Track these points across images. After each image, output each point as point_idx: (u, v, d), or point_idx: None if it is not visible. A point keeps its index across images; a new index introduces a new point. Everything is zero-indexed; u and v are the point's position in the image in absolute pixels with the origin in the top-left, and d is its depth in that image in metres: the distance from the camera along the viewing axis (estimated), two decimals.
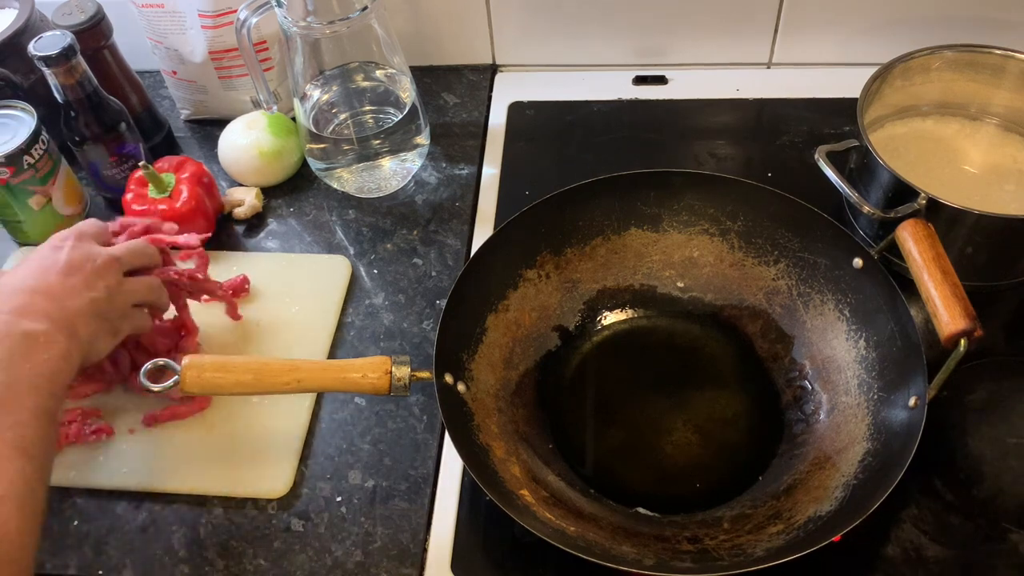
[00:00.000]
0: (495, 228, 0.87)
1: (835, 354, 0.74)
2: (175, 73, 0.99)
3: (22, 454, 0.54)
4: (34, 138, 0.85)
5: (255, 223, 0.93)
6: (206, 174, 0.89)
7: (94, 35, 0.90)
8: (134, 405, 0.77)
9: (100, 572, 0.69)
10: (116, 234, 0.74)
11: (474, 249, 0.82)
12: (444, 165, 0.96)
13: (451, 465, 0.73)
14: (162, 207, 0.85)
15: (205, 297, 0.79)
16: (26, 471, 0.53)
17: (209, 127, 1.03)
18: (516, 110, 1.02)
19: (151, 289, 0.72)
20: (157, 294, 0.73)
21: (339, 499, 0.72)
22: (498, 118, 1.01)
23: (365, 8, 0.80)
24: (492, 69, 1.07)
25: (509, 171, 0.96)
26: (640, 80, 1.04)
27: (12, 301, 0.59)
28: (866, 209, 0.75)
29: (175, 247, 0.77)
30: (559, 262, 0.80)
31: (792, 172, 0.92)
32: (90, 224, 0.71)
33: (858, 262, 0.73)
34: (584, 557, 0.59)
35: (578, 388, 0.77)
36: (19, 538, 0.51)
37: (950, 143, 0.88)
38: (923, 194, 0.73)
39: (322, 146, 0.90)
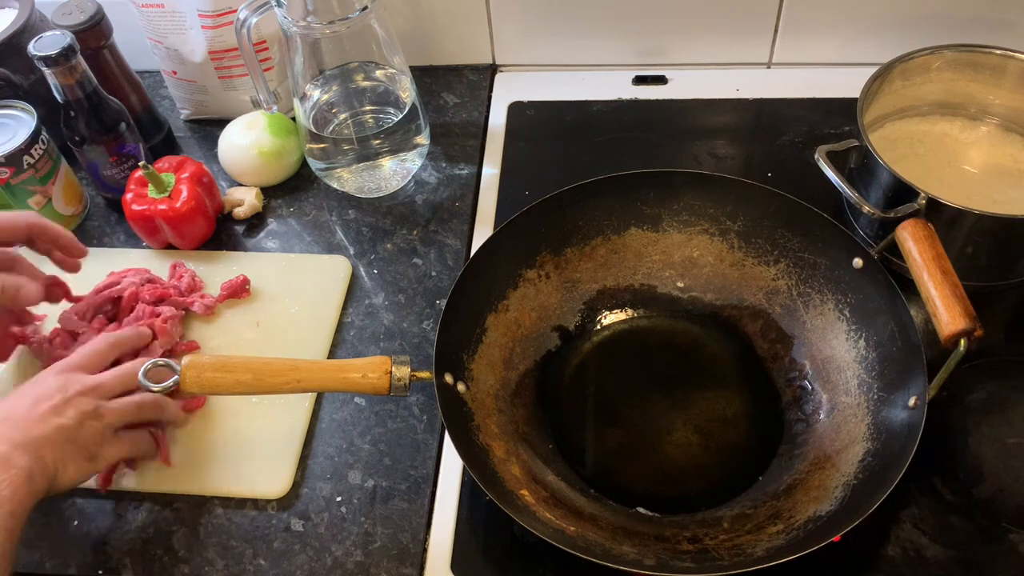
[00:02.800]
0: (495, 228, 0.87)
1: (835, 354, 0.74)
2: (175, 73, 0.99)
3: None
4: (34, 138, 0.85)
5: (255, 223, 0.93)
6: (206, 174, 0.89)
7: (94, 35, 0.90)
8: None
9: (100, 572, 0.69)
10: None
11: (474, 249, 0.82)
12: (444, 165, 0.96)
13: (451, 465, 0.73)
14: (162, 207, 0.85)
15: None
16: None
17: (209, 127, 1.03)
18: (516, 110, 1.02)
19: (141, 409, 0.70)
20: (153, 412, 0.71)
21: (339, 499, 0.72)
22: (498, 118, 1.01)
23: (365, 8, 0.80)
24: (492, 69, 1.07)
25: (509, 171, 0.96)
26: (640, 80, 1.04)
27: None
28: (866, 209, 0.75)
29: None
30: (559, 262, 0.80)
31: (792, 172, 0.92)
32: (86, 354, 0.70)
33: (858, 262, 0.73)
34: (584, 557, 0.59)
35: (578, 388, 0.77)
36: None
37: (950, 143, 0.88)
38: (923, 194, 0.73)
39: (322, 146, 0.90)
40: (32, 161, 0.86)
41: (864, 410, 0.69)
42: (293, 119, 0.94)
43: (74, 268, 0.77)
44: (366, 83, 0.91)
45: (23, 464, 0.59)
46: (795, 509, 0.66)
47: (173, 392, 0.66)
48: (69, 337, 0.79)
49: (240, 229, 0.92)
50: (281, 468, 0.73)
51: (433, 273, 0.87)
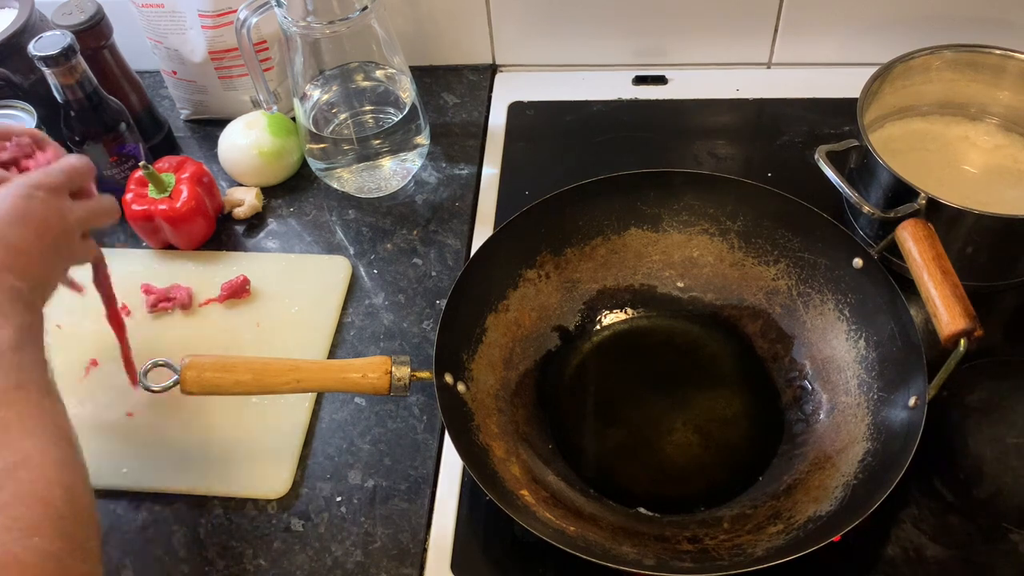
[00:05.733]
0: (495, 228, 0.87)
1: (835, 354, 0.74)
2: (175, 73, 0.99)
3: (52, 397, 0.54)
4: None
5: (255, 223, 0.93)
6: (206, 174, 0.89)
7: (94, 35, 0.90)
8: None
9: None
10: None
11: (474, 249, 0.82)
12: (444, 165, 0.96)
13: (451, 465, 0.73)
14: (162, 207, 0.85)
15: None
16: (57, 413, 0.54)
17: (209, 127, 1.03)
18: (516, 110, 1.02)
19: (103, 213, 0.67)
20: (110, 214, 0.68)
21: (339, 499, 0.72)
22: (498, 118, 1.01)
23: (365, 8, 0.80)
24: (492, 69, 1.07)
25: (509, 171, 0.96)
26: (640, 80, 1.04)
27: None
28: (866, 209, 0.75)
29: None
30: (559, 262, 0.80)
31: (792, 172, 0.91)
32: (64, 172, 0.64)
33: (858, 262, 0.73)
34: (584, 557, 0.59)
35: (578, 388, 0.77)
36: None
37: (950, 143, 0.88)
38: (923, 194, 0.73)
39: (322, 146, 0.90)
40: None
41: (864, 410, 0.69)
42: (293, 119, 0.94)
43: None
44: (366, 83, 0.91)
45: (37, 303, 0.59)
46: (795, 509, 0.66)
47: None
48: None
49: (240, 229, 0.92)
50: (281, 468, 0.73)
51: (433, 273, 0.87)
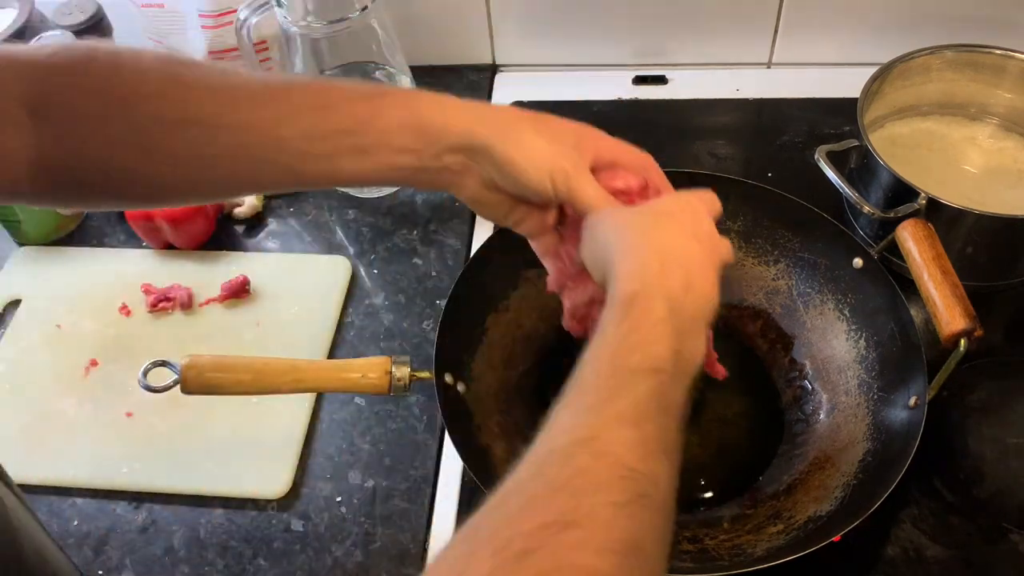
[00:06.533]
0: (495, 228, 0.87)
1: (835, 354, 0.74)
2: None
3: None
4: None
5: (255, 223, 0.92)
6: None
7: (94, 35, 0.90)
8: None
9: (100, 572, 0.69)
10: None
11: (474, 249, 0.82)
12: None
13: (451, 465, 0.73)
14: None
15: None
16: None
17: None
18: None
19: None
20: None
21: (339, 499, 0.72)
22: None
23: (365, 8, 0.80)
24: (492, 69, 1.07)
25: None
26: (640, 80, 1.04)
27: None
28: (866, 209, 0.75)
29: None
30: None
31: (792, 172, 0.91)
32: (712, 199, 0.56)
33: (858, 262, 0.73)
34: None
35: None
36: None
37: (950, 143, 0.88)
38: (923, 194, 0.73)
39: None
40: None
41: (864, 410, 0.69)
42: None
43: None
44: None
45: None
46: (795, 509, 0.66)
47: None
48: None
49: (240, 229, 0.92)
50: (281, 468, 0.73)
51: (433, 273, 0.87)
